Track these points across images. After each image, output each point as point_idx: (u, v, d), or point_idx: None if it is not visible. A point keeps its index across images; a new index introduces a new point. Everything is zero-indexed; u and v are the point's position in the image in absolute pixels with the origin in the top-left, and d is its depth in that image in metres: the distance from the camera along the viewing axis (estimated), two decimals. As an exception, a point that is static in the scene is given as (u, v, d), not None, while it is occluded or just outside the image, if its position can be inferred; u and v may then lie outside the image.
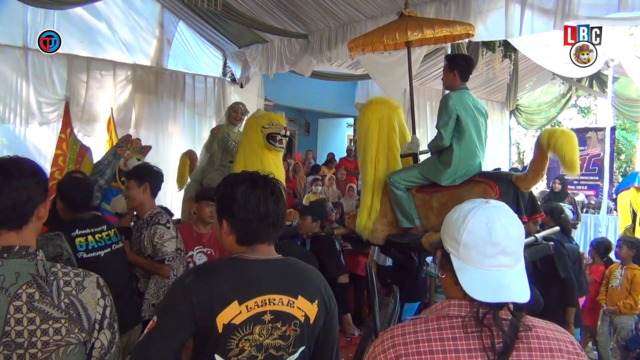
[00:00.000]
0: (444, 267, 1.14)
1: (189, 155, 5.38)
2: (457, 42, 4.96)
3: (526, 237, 3.41)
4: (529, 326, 1.09)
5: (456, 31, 4.07)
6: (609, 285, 4.55)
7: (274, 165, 4.10)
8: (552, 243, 3.47)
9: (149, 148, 5.89)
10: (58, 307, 1.25)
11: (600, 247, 4.94)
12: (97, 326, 1.31)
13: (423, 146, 3.96)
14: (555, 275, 3.70)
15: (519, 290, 1.08)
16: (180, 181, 5.30)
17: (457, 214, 1.14)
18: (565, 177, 7.84)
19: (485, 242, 1.08)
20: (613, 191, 8.94)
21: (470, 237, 1.09)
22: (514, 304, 1.09)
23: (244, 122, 4.58)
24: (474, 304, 1.08)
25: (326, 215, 4.34)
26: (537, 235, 3.45)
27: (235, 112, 4.98)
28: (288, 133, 4.16)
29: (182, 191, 5.25)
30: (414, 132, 4.09)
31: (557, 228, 3.97)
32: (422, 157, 4.00)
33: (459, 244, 1.10)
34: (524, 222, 3.37)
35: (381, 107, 3.88)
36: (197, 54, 7.70)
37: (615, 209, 8.03)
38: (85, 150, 5.73)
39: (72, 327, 1.26)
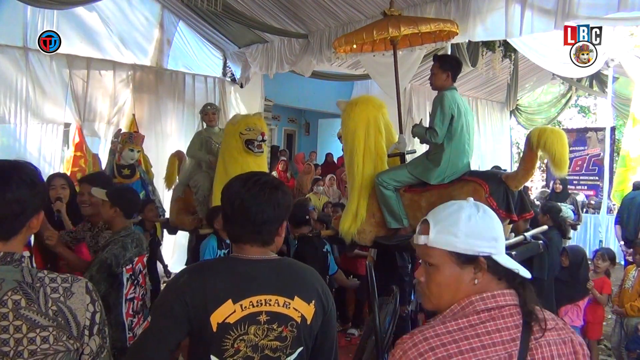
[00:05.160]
0: (487, 271, 1.14)
1: (177, 156, 5.58)
2: (447, 41, 4.92)
3: (516, 235, 3.43)
4: (546, 318, 1.12)
5: (439, 28, 4.08)
6: (623, 287, 4.43)
7: (256, 168, 4.13)
8: (541, 242, 3.46)
9: (141, 137, 6.02)
10: (45, 314, 1.20)
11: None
12: (86, 332, 1.26)
13: (410, 146, 3.96)
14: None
15: (521, 268, 1.16)
16: (169, 180, 5.56)
17: (467, 215, 1.18)
18: (565, 177, 7.83)
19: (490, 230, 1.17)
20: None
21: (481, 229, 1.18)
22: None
23: (223, 128, 4.69)
24: (504, 295, 1.12)
25: (303, 217, 4.33)
26: (526, 234, 3.45)
27: (207, 114, 5.18)
28: (266, 138, 4.28)
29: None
30: (401, 132, 4.07)
31: (545, 227, 3.96)
32: (409, 157, 3.99)
33: (497, 241, 1.15)
34: (514, 221, 3.41)
35: (366, 108, 3.83)
36: (197, 54, 7.67)
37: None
38: (96, 159, 6.06)
39: (60, 335, 1.21)
